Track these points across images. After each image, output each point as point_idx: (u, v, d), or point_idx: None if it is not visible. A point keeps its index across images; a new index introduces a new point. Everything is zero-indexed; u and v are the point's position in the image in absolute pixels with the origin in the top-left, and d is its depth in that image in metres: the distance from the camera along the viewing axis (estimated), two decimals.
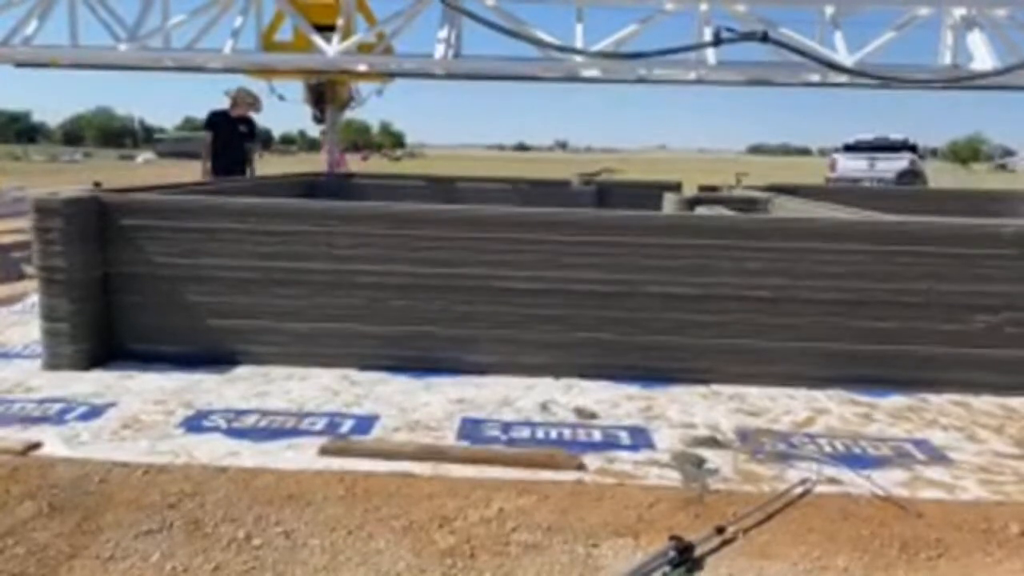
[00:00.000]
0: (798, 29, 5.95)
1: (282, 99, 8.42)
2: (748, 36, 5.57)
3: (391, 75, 7.59)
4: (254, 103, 8.43)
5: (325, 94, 8.22)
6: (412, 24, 6.32)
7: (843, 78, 6.10)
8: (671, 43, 5.74)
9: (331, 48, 6.16)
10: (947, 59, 6.14)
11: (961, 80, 5.89)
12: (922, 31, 6.17)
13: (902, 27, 6.01)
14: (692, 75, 6.41)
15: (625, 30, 5.97)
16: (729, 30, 5.59)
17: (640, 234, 3.93)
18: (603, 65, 6.20)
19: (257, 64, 7.09)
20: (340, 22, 6.41)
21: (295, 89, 8.39)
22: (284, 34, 7.19)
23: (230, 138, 8.30)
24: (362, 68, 6.77)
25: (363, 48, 6.52)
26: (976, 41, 5.87)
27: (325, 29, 6.36)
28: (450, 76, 7.05)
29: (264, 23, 6.97)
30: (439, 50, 6.04)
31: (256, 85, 8.32)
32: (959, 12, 5.98)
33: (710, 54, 5.78)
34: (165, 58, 6.64)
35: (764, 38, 5.47)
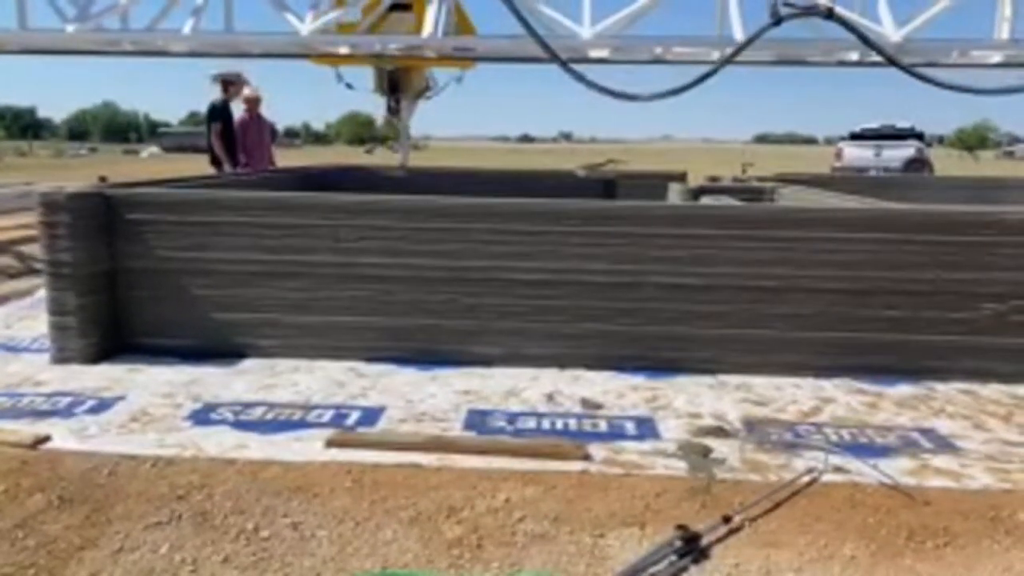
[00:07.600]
0: None
1: (350, 87, 7.64)
2: (810, 11, 4.50)
3: (475, 59, 6.52)
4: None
5: (400, 82, 7.40)
6: None
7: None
8: (692, 17, 4.74)
9: (304, 26, 5.25)
10: (1004, 32, 5.03)
11: None
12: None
13: None
14: (715, 54, 5.43)
15: (638, 3, 5.05)
16: (788, 4, 4.46)
17: (646, 224, 3.92)
18: (614, 43, 5.21)
19: (226, 45, 5.78)
20: None
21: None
22: (355, 16, 5.96)
23: (230, 128, 7.98)
24: (343, 50, 5.86)
25: (344, 28, 5.65)
26: None
27: (401, 8, 5.53)
28: (441, 58, 6.18)
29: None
30: (427, 27, 5.22)
31: (319, 72, 7.38)
32: None
33: (737, 29, 4.87)
34: (124, 40, 5.82)
35: (829, 15, 4.45)
